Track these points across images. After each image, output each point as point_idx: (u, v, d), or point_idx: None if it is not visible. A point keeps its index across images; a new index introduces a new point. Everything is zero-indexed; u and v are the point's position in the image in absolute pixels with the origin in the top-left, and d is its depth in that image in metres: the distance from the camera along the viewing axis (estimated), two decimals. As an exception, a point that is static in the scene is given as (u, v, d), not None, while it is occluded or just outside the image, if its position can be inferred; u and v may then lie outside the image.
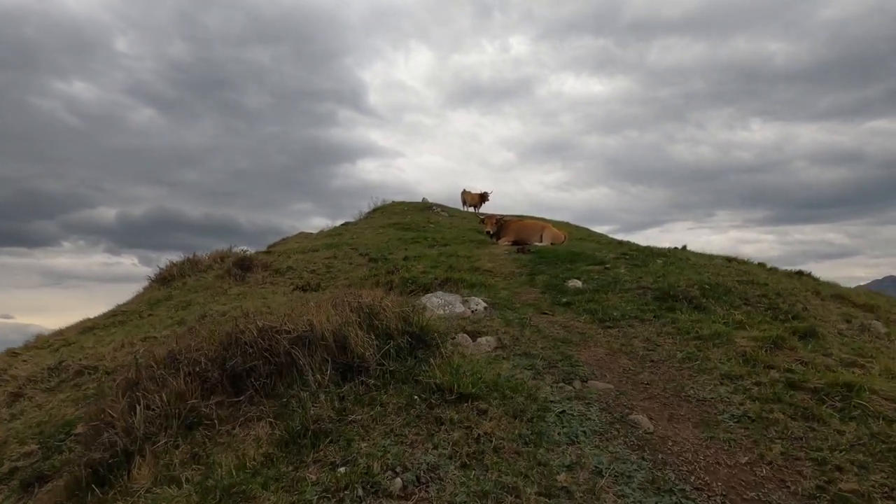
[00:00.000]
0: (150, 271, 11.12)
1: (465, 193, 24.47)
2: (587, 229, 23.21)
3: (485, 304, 5.97)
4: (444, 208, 21.54)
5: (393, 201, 22.89)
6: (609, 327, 5.37)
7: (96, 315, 9.07)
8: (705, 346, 4.68)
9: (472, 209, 24.68)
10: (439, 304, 5.90)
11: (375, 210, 20.79)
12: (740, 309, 6.00)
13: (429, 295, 6.08)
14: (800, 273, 9.42)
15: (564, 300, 6.45)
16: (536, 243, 13.76)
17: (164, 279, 9.91)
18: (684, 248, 11.11)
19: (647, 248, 9.33)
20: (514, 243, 14.14)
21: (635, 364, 4.45)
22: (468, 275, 7.74)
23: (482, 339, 4.79)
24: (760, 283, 7.04)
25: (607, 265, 8.02)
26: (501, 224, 14.68)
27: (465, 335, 4.85)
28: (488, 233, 14.53)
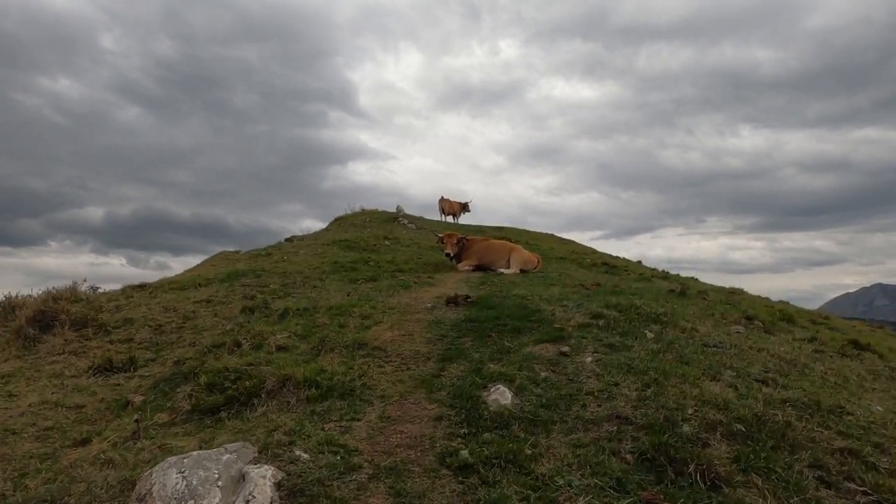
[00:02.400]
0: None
1: (443, 202, 21.23)
2: (572, 243, 19.84)
3: (272, 494, 2.61)
4: (412, 219, 18.18)
5: (363, 209, 19.73)
6: None
7: None
8: None
9: (450, 219, 21.44)
10: (181, 495, 2.58)
11: (336, 220, 17.49)
12: (819, 507, 2.64)
13: (169, 463, 2.74)
14: (855, 344, 5.98)
15: (464, 454, 3.09)
16: (502, 270, 10.68)
17: (-40, 332, 6.67)
18: (684, 292, 7.68)
19: (633, 303, 5.92)
20: (477, 268, 11.10)
21: None
22: (337, 362, 4.40)
23: None
24: (832, 408, 3.65)
25: (565, 347, 4.63)
26: (463, 244, 11.62)
27: None
28: (448, 254, 11.57)
